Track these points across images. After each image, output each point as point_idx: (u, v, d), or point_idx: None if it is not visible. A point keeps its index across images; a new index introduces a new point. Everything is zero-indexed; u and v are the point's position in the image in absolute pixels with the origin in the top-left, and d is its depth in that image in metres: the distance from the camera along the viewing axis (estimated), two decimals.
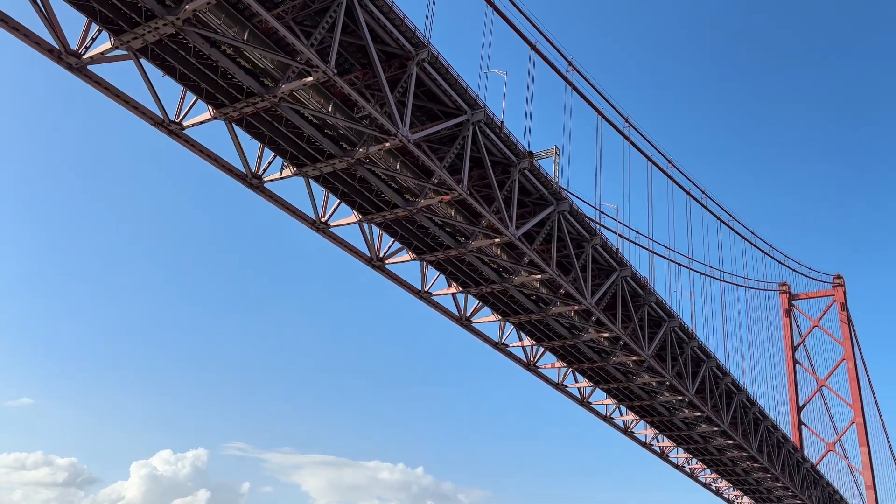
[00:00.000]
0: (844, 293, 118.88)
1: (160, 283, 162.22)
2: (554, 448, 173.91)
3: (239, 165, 29.45)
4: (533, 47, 36.89)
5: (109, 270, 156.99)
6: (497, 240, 33.19)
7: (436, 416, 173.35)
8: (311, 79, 24.40)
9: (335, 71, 24.24)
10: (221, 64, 24.28)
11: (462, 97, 29.80)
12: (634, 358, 44.92)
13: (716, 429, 56.75)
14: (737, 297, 78.21)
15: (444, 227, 33.68)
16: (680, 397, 51.03)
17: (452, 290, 38.76)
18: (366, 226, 34.94)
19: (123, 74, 26.40)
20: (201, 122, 27.63)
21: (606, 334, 42.05)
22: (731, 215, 67.81)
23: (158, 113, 26.86)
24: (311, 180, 32.39)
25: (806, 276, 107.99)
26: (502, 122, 32.18)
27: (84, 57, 24.13)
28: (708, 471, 70.51)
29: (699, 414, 53.89)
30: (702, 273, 61.41)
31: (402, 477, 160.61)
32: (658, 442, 63.74)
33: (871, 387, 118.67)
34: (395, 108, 26.37)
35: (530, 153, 32.97)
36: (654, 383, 49.52)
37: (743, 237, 74.27)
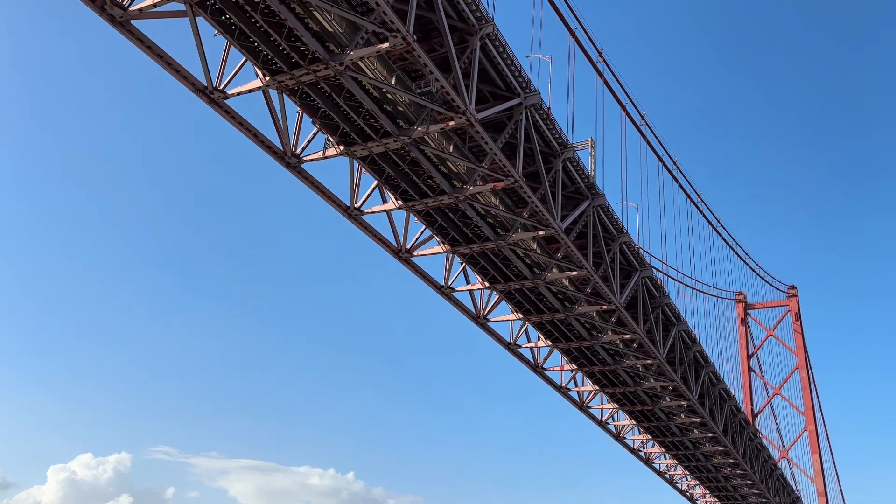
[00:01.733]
0: (798, 304, 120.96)
1: (82, 276, 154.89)
2: (496, 454, 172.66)
3: (277, 142, 27.09)
4: (573, 34, 35.42)
5: (29, 264, 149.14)
6: (541, 233, 31.47)
7: (369, 420, 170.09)
8: (386, 45, 22.25)
9: (415, 36, 22.18)
10: (289, 23, 21.88)
11: (516, 79, 28.07)
12: (649, 361, 43.84)
13: (709, 434, 56.27)
14: (695, 303, 78.29)
15: (484, 218, 31.77)
16: (683, 402, 50.23)
17: (477, 285, 36.87)
18: (394, 215, 33.00)
19: (160, 32, 23.75)
20: (247, 91, 25.14)
21: (627, 336, 40.79)
22: (713, 221, 67.73)
23: (202, 78, 24.32)
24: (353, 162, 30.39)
25: (771, 283, 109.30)
26: (549, 109, 30.57)
27: (132, 8, 21.45)
28: (687, 477, 70.23)
29: (697, 419, 53.29)
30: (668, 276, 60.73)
31: (332, 482, 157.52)
32: (645, 448, 63.07)
33: (817, 396, 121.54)
34: (463, 85, 24.45)
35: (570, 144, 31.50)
36: (658, 388, 48.58)
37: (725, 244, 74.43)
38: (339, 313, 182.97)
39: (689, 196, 55.70)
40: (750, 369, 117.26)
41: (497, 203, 31.37)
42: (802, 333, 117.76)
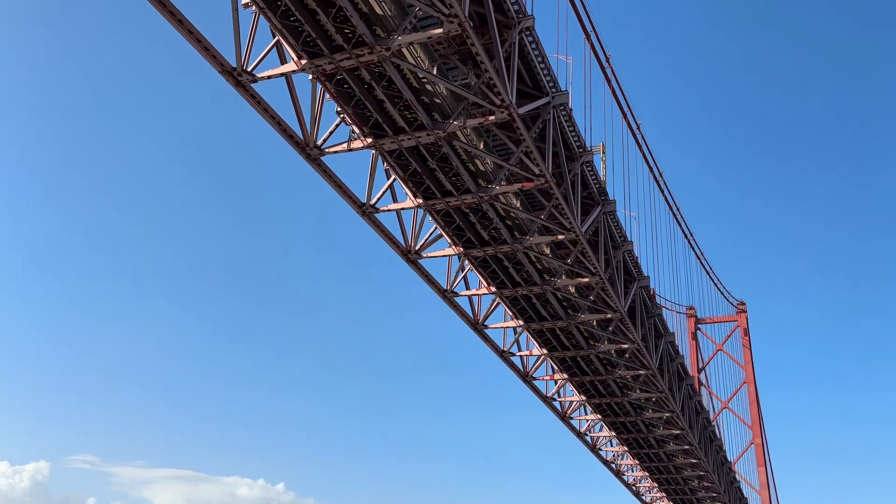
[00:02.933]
0: (747, 319, 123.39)
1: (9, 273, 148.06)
2: (446, 467, 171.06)
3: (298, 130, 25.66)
4: (588, 37, 34.88)
5: None
6: (561, 237, 30.67)
7: (306, 429, 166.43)
8: (439, 30, 21.13)
9: (472, 22, 21.12)
10: (340, 2, 20.53)
11: (547, 76, 27.28)
12: (641, 371, 43.49)
13: (685, 447, 56.38)
14: None
15: (504, 220, 30.78)
16: (665, 413, 50.13)
17: (483, 290, 35.81)
18: (405, 214, 31.83)
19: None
20: (278, 75, 23.66)
21: (626, 346, 40.30)
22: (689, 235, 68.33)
23: (231, 59, 22.76)
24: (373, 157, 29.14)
25: (726, 296, 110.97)
26: (571, 110, 29.83)
27: None
28: (652, 490, 70.41)
29: (676, 431, 53.32)
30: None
31: (262, 493, 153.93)
32: (618, 461, 62.92)
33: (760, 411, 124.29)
34: (507, 78, 23.48)
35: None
36: (643, 398, 48.32)
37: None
38: (282, 316, 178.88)
39: (672, 209, 55.93)
40: (700, 383, 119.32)
41: (518, 205, 30.44)
42: (751, 349, 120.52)
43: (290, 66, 23.05)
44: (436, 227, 32.24)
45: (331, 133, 26.79)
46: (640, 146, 45.23)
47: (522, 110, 24.82)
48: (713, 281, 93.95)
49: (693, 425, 54.20)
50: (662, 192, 52.24)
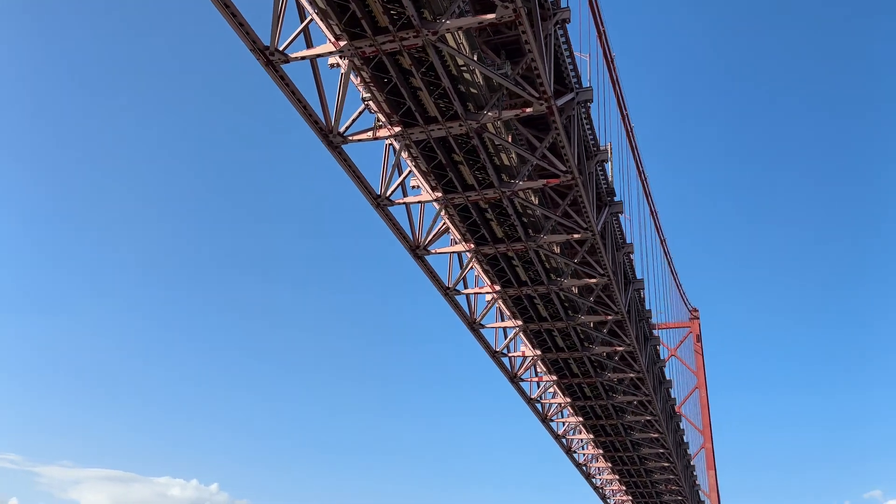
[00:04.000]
0: (700, 326, 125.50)
1: None
2: (394, 470, 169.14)
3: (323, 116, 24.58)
4: (602, 36, 34.56)
5: None
6: (576, 235, 30.21)
7: (243, 430, 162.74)
8: (492, 16, 20.38)
9: (528, 9, 20.44)
10: None
11: (573, 71, 26.79)
12: (631, 374, 43.41)
13: (661, 450, 56.71)
14: None
15: (520, 217, 30.16)
16: (646, 417, 50.25)
17: (486, 289, 35.11)
18: (414, 207, 31.01)
19: None
20: (314, 56, 22.57)
21: (621, 348, 40.13)
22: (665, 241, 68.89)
23: (265, 38, 21.61)
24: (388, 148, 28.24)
25: (686, 303, 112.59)
26: (589, 108, 29.43)
27: None
28: (621, 493, 70.76)
29: (654, 435, 53.52)
30: None
31: (194, 494, 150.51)
32: (590, 464, 63.01)
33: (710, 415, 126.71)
34: (547, 70, 22.85)
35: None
36: (626, 401, 48.33)
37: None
38: (227, 312, 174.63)
39: (653, 214, 56.12)
40: None
41: (536, 202, 29.86)
42: (703, 354, 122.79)
43: (327, 48, 21.96)
44: (443, 223, 31.43)
45: (353, 120, 25.79)
46: (633, 149, 45.24)
47: (560, 102, 24.25)
48: (677, 286, 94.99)
49: (669, 429, 54.53)
50: (648, 196, 52.42)
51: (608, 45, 37.31)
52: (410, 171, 28.75)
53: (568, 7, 24.23)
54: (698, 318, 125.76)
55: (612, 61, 38.73)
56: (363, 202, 28.33)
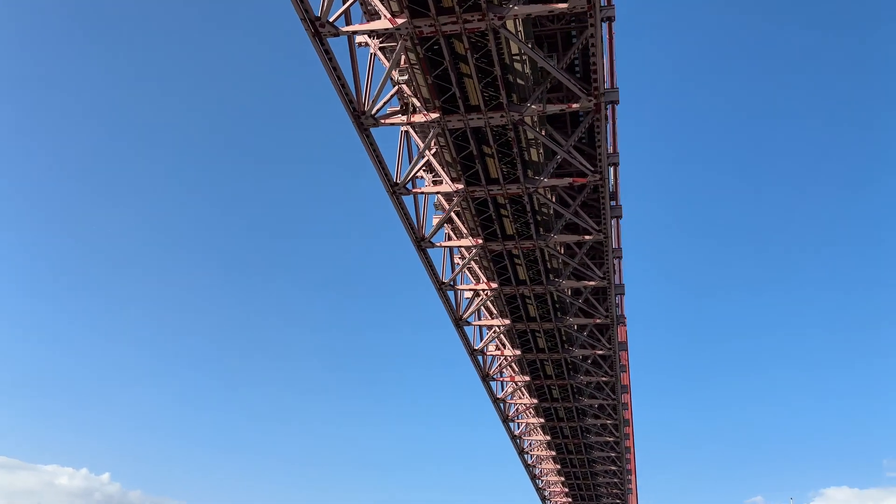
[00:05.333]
0: (626, 332, 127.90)
1: None
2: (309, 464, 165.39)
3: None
4: (611, 36, 34.35)
5: None
6: (588, 237, 29.99)
7: (141, 420, 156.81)
8: (564, 5, 19.78)
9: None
10: None
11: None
12: (604, 378, 43.66)
13: (614, 454, 57.45)
14: None
15: (535, 215, 29.67)
16: (609, 420, 50.77)
17: (482, 286, 34.48)
18: (420, 199, 30.24)
19: None
20: (366, 31, 21.48)
21: (601, 352, 40.27)
22: None
23: (316, 9, 20.43)
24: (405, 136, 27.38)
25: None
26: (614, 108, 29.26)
27: None
28: (561, 495, 71.45)
29: (611, 439, 54.19)
30: None
31: (83, 483, 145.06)
32: (539, 465, 63.28)
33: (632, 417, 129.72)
34: (603, 65, 22.44)
35: None
36: (595, 404, 48.71)
37: None
38: (136, 303, 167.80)
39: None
40: None
41: (554, 199, 29.42)
42: (628, 365, 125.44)
43: (383, 24, 20.85)
44: (445, 216, 30.63)
45: (385, 103, 24.76)
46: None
47: (607, 100, 23.86)
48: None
49: (623, 433, 55.22)
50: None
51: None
52: (427, 160, 27.83)
53: (613, 4, 23.88)
54: (625, 325, 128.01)
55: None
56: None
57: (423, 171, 30.37)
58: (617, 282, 38.57)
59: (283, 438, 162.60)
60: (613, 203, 33.06)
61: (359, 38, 25.33)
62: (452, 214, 30.95)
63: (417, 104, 24.44)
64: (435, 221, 32.69)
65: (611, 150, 29.61)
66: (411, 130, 28.49)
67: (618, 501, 71.01)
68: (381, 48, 25.48)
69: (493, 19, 20.22)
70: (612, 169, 33.82)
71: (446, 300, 35.63)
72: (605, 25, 24.53)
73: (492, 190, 27.41)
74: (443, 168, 27.60)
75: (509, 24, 21.58)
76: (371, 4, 22.49)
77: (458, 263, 35.81)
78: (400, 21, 20.71)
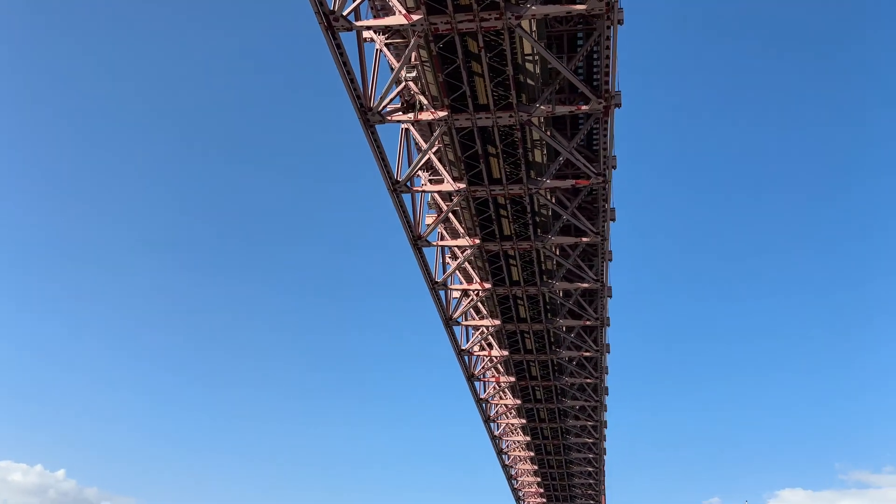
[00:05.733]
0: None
1: None
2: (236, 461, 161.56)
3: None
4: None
5: None
6: (585, 239, 30.07)
7: (99, 416, 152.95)
8: (583, 7, 19.78)
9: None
10: None
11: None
12: (589, 380, 43.86)
13: (592, 455, 57.75)
14: None
15: (535, 216, 29.66)
16: (590, 423, 51.04)
17: (475, 286, 34.37)
18: (418, 197, 30.16)
19: None
20: (380, 27, 21.27)
21: (588, 353, 40.41)
22: None
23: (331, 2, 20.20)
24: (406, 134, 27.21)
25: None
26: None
27: None
28: (536, 497, 71.61)
29: (590, 440, 54.48)
30: None
31: (38, 480, 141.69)
32: (515, 465, 63.35)
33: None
34: (610, 68, 22.49)
35: None
36: (577, 406, 48.97)
37: None
38: (101, 298, 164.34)
39: None
40: None
41: (553, 201, 29.42)
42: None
43: (398, 19, 20.64)
44: (443, 215, 30.48)
45: (391, 100, 24.55)
46: None
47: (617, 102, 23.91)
48: None
49: (602, 435, 55.57)
50: None
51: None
52: (427, 159, 27.65)
53: (621, 8, 23.92)
54: None
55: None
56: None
57: (420, 169, 30.20)
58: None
59: (253, 438, 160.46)
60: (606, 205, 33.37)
61: (366, 34, 25.06)
62: (450, 214, 30.77)
63: (424, 102, 24.25)
64: (429, 221, 32.61)
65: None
66: (412, 128, 28.31)
67: (591, 502, 71.47)
68: (386, 44, 25.22)
69: (510, 18, 20.13)
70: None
71: (438, 300, 35.49)
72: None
73: (494, 190, 27.33)
74: (444, 167, 27.44)
75: (524, 24, 21.51)
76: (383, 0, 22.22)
77: (448, 263, 35.73)
78: (416, 17, 20.53)
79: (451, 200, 28.67)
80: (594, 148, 27.75)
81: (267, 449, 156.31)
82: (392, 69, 25.06)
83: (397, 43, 25.68)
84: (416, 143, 28.25)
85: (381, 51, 24.91)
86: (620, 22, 23.87)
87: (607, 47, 21.17)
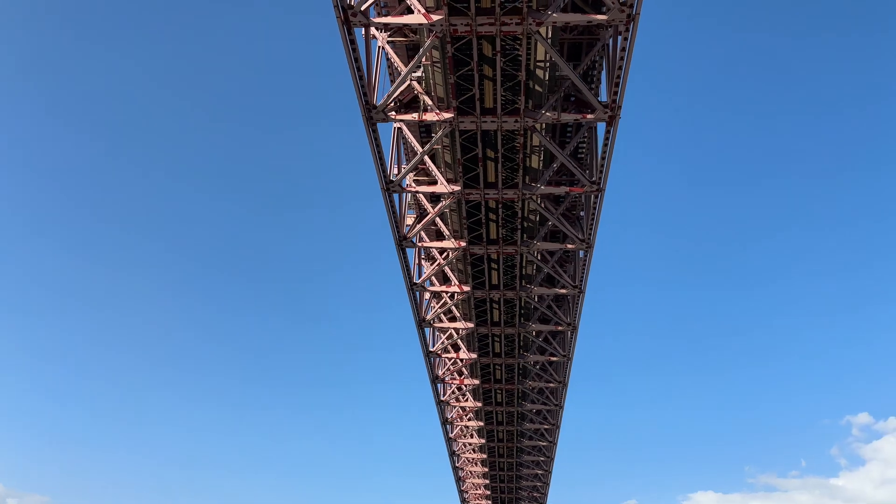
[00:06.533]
0: None
1: None
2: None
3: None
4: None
5: None
6: (571, 246, 30.38)
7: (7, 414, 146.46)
8: (604, 17, 19.95)
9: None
10: None
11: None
12: (552, 384, 44.36)
13: (543, 458, 58.37)
14: None
15: (523, 221, 29.79)
16: (545, 426, 51.59)
17: (454, 288, 34.27)
18: (398, 198, 30.01)
19: None
20: (397, 25, 21.03)
21: (556, 358, 40.85)
22: None
23: None
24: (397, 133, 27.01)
25: None
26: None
27: None
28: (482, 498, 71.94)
29: (544, 443, 55.05)
30: None
31: None
32: (467, 466, 63.54)
33: None
34: (621, 79, 22.77)
35: None
36: (534, 410, 49.40)
37: None
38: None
39: None
40: None
41: (543, 206, 29.58)
42: None
43: (417, 18, 20.41)
44: (431, 216, 30.34)
45: (394, 98, 24.26)
46: None
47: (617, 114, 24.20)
48: None
49: (556, 439, 56.25)
50: None
51: None
52: (421, 159, 27.43)
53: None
54: None
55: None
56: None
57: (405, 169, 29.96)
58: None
59: (176, 441, 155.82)
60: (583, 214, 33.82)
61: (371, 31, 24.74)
62: (437, 217, 30.60)
63: (429, 102, 24.05)
64: (408, 221, 32.47)
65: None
66: (405, 128, 28.04)
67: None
68: (388, 41, 24.95)
69: (531, 24, 20.16)
70: None
71: (414, 300, 35.30)
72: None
73: (488, 194, 27.32)
74: (439, 168, 27.31)
75: (542, 31, 21.57)
76: None
77: (422, 265, 35.57)
78: (436, 17, 20.34)
79: (441, 202, 28.50)
80: (579, 156, 28.20)
81: (187, 452, 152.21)
82: (393, 67, 24.94)
83: (399, 41, 25.49)
84: (409, 144, 27.99)
85: (382, 48, 24.65)
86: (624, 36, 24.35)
87: (621, 58, 21.27)
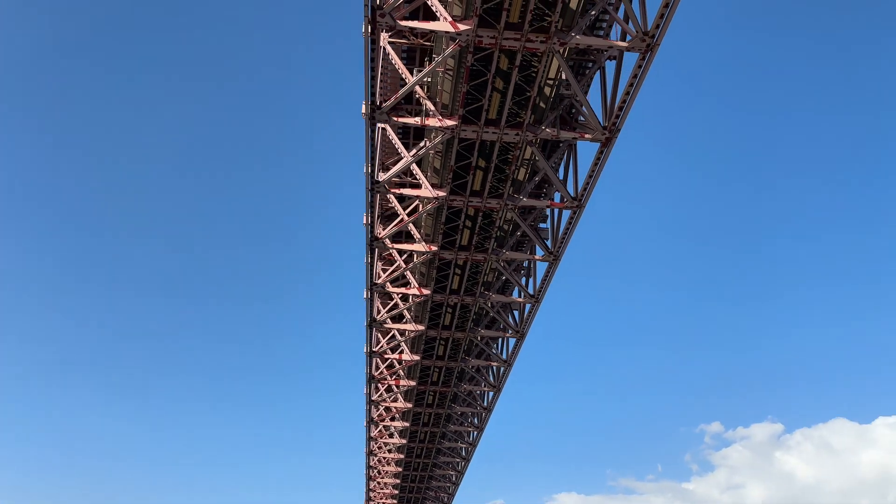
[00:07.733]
0: None
1: None
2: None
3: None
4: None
5: None
6: (537, 257, 31.15)
7: None
8: (625, 43, 20.68)
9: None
10: None
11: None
12: (486, 388, 45.18)
13: (460, 460, 59.11)
14: None
15: (498, 230, 30.25)
16: (471, 429, 52.33)
17: (413, 290, 34.30)
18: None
19: None
20: (424, 31, 21.00)
21: (496, 363, 41.67)
22: None
23: None
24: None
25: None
26: None
27: None
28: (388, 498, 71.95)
29: (463, 445, 55.82)
30: None
31: None
32: (381, 466, 63.43)
33: None
34: (612, 99, 23.63)
35: None
36: (459, 412, 50.06)
37: None
38: None
39: None
40: None
41: (520, 218, 30.10)
42: None
43: (444, 25, 20.41)
44: (410, 220, 30.35)
45: (396, 101, 24.17)
46: None
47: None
48: None
49: (476, 441, 57.12)
50: None
51: None
52: (411, 163, 27.41)
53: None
54: None
55: None
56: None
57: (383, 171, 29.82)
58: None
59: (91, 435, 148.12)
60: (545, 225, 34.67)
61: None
62: (410, 222, 30.57)
63: (431, 108, 24.07)
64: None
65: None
66: (390, 130, 27.90)
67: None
68: (390, 42, 24.80)
69: (555, 43, 20.62)
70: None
71: (371, 300, 35.15)
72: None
73: (471, 202, 27.61)
74: (425, 173, 27.38)
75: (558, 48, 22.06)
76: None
77: (379, 270, 35.40)
78: (463, 27, 20.44)
79: (420, 206, 28.53)
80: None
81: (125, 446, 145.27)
82: (393, 68, 24.82)
83: (400, 44, 25.46)
84: (397, 146, 27.87)
85: (384, 48, 24.49)
86: (614, 59, 25.22)
87: (631, 84, 22.04)
